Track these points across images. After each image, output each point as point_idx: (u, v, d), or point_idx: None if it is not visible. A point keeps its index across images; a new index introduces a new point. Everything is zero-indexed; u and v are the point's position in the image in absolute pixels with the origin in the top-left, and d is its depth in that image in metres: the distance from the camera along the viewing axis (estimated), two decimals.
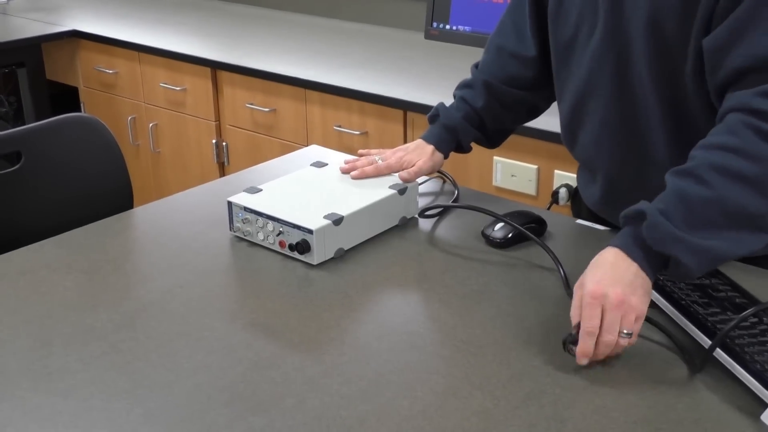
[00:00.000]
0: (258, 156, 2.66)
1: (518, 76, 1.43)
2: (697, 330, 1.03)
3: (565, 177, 1.98)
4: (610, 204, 1.36)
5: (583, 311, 1.01)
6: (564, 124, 1.38)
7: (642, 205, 1.04)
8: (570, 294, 1.16)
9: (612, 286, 1.00)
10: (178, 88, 2.83)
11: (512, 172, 2.07)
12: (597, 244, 1.31)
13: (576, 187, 1.50)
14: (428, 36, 2.20)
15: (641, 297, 1.02)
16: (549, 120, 2.03)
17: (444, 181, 1.57)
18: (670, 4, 1.13)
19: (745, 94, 1.06)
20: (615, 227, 1.38)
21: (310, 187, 1.39)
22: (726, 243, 1.02)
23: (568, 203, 1.96)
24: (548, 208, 1.55)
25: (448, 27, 2.18)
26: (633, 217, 1.05)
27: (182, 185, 2.91)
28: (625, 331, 1.00)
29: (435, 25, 2.19)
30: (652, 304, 1.12)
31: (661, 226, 1.01)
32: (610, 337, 1.00)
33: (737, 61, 1.07)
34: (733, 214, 1.02)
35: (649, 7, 1.16)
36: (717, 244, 1.02)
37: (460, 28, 2.17)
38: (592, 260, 1.06)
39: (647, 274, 1.03)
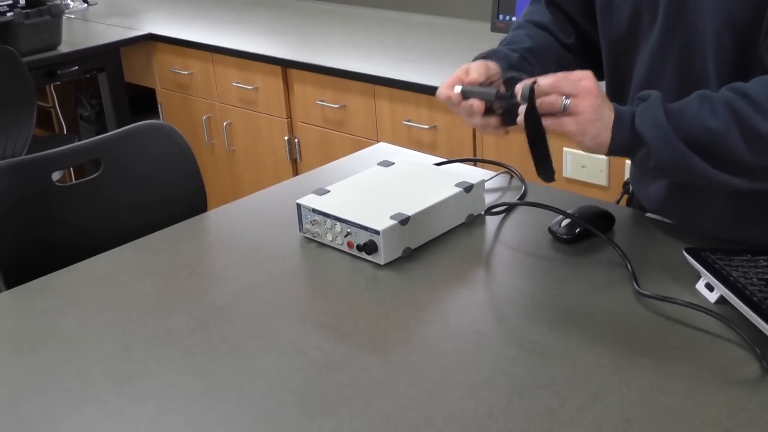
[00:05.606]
0: (329, 152, 2.70)
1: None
2: None
3: None
4: (675, 201, 1.33)
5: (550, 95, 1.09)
6: None
7: (654, 91, 1.12)
8: (639, 291, 1.15)
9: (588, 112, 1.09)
10: (250, 87, 2.89)
11: (582, 163, 2.05)
12: (665, 239, 1.30)
13: (632, 191, 1.47)
14: (494, 28, 2.20)
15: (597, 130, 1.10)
16: None
17: (511, 177, 1.57)
18: None
19: None
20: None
21: (377, 187, 1.41)
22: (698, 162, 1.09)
23: None
24: (618, 200, 1.54)
25: (514, 19, 2.17)
26: (641, 97, 1.12)
27: (256, 181, 2.97)
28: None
29: (501, 17, 2.18)
30: (722, 300, 1.11)
31: (653, 110, 1.09)
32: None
33: None
34: (719, 149, 1.08)
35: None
36: (691, 158, 1.09)
37: None
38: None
39: (612, 137, 1.10)
